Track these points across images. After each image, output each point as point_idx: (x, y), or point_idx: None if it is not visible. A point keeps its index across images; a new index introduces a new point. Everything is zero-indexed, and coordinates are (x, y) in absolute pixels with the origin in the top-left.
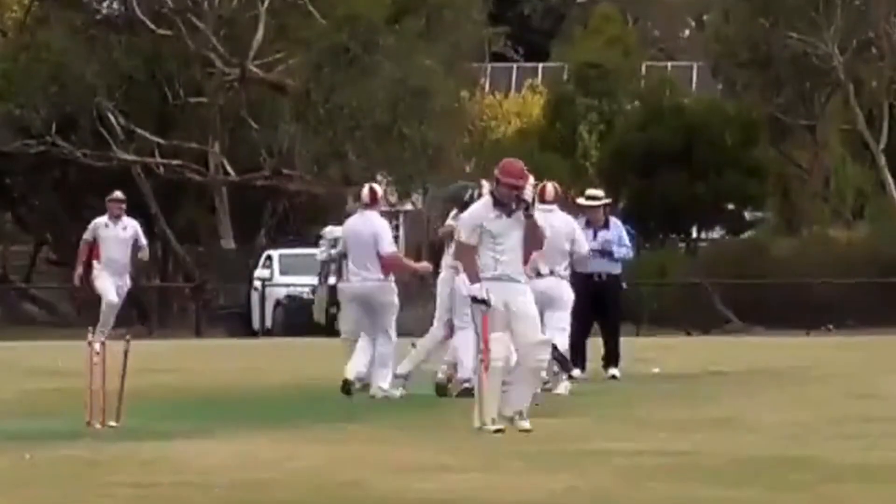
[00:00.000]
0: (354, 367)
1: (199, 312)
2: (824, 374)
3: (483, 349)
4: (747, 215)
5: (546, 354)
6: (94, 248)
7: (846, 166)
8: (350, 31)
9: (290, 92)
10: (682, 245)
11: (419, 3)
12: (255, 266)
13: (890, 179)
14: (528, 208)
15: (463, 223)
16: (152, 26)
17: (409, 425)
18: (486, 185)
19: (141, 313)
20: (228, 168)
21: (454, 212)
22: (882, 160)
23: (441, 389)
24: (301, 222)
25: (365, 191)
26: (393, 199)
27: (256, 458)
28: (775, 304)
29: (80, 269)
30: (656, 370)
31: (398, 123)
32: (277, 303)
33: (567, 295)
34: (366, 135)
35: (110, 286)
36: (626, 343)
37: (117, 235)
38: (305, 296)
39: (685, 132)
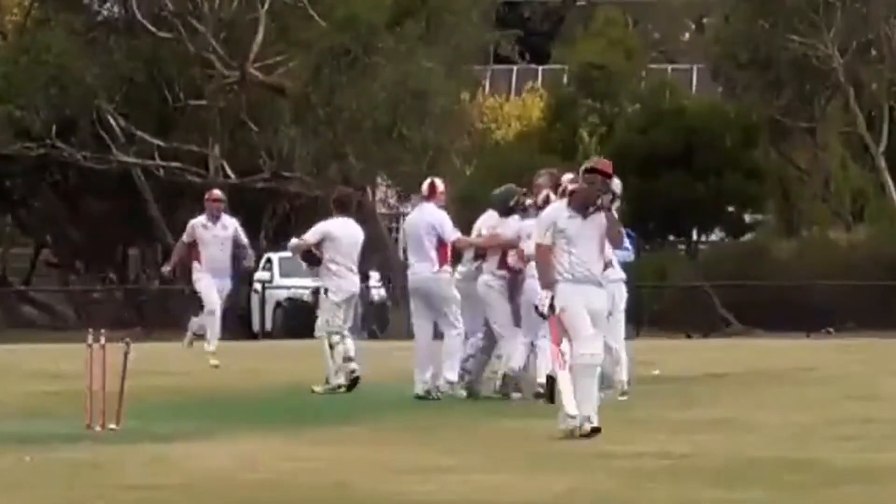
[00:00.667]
0: (420, 381)
1: (199, 314)
2: (824, 376)
3: (554, 351)
4: (747, 217)
5: (598, 348)
6: (192, 250)
7: (846, 168)
8: (350, 34)
9: (289, 94)
10: (683, 247)
11: (419, 6)
12: (255, 268)
13: (890, 182)
14: (612, 199)
15: (537, 224)
16: (152, 29)
17: (410, 427)
18: (544, 189)
19: (141, 315)
20: (228, 170)
21: (487, 214)
22: (882, 162)
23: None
24: (301, 224)
25: (424, 184)
26: (393, 201)
27: (256, 459)
28: (775, 307)
29: (171, 266)
30: (656, 372)
31: (398, 125)
32: (277, 305)
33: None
34: (366, 137)
35: (214, 294)
36: (626, 345)
37: (217, 235)
38: (305, 298)
39: (685, 134)
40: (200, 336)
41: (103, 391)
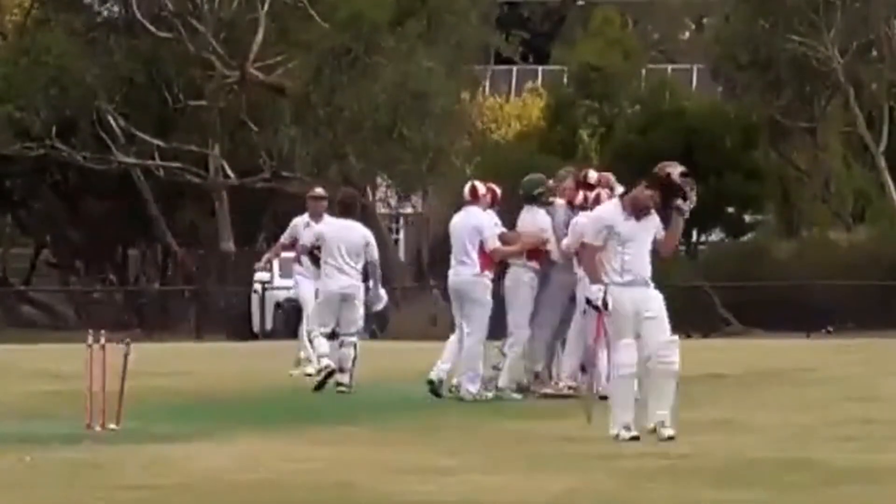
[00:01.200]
0: (440, 368)
1: (199, 315)
2: (824, 377)
3: (589, 354)
4: (747, 218)
5: (675, 355)
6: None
7: (846, 169)
8: (351, 33)
9: (290, 94)
10: (683, 247)
11: (420, 6)
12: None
13: (890, 182)
14: (685, 201)
15: (590, 224)
16: (152, 29)
17: (410, 427)
18: (569, 180)
19: (141, 316)
20: (228, 171)
21: (524, 210)
22: (882, 162)
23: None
24: None
25: (466, 188)
26: (393, 201)
27: (256, 460)
28: (775, 307)
29: (264, 261)
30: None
31: (398, 126)
32: (277, 305)
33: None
34: (366, 137)
35: (312, 299)
36: None
37: None
38: None
39: (685, 135)
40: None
41: (103, 391)
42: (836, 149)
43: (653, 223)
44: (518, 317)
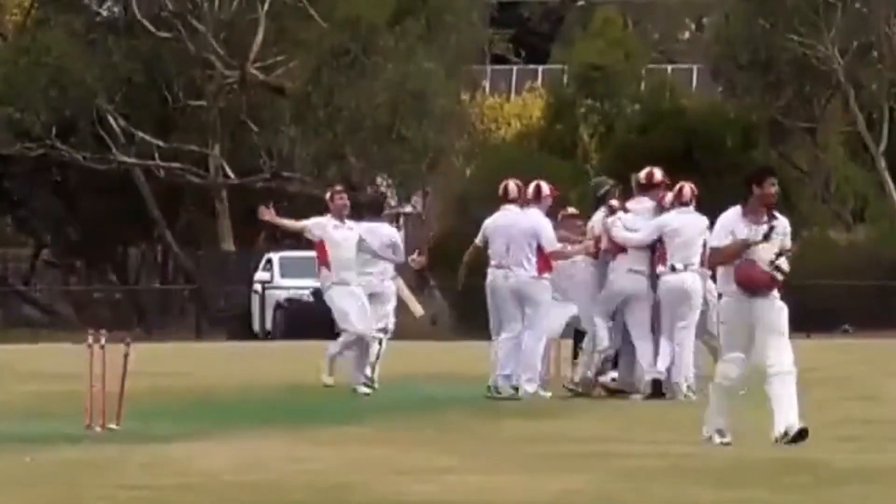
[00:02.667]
0: (500, 375)
1: (200, 315)
2: (825, 377)
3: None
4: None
5: (736, 372)
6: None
7: (846, 169)
8: (350, 34)
9: (289, 94)
10: None
11: (419, 6)
12: (256, 268)
13: (890, 182)
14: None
15: (717, 228)
16: (152, 29)
17: (410, 427)
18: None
19: (141, 316)
20: (228, 171)
21: (601, 210)
22: (882, 163)
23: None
24: None
25: (530, 188)
26: (393, 201)
27: (256, 460)
28: None
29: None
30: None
31: (398, 125)
32: (278, 305)
33: (698, 291)
34: (366, 137)
35: (353, 315)
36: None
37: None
38: (305, 298)
39: (685, 135)
40: None
41: (103, 391)
42: (836, 149)
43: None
44: (584, 308)
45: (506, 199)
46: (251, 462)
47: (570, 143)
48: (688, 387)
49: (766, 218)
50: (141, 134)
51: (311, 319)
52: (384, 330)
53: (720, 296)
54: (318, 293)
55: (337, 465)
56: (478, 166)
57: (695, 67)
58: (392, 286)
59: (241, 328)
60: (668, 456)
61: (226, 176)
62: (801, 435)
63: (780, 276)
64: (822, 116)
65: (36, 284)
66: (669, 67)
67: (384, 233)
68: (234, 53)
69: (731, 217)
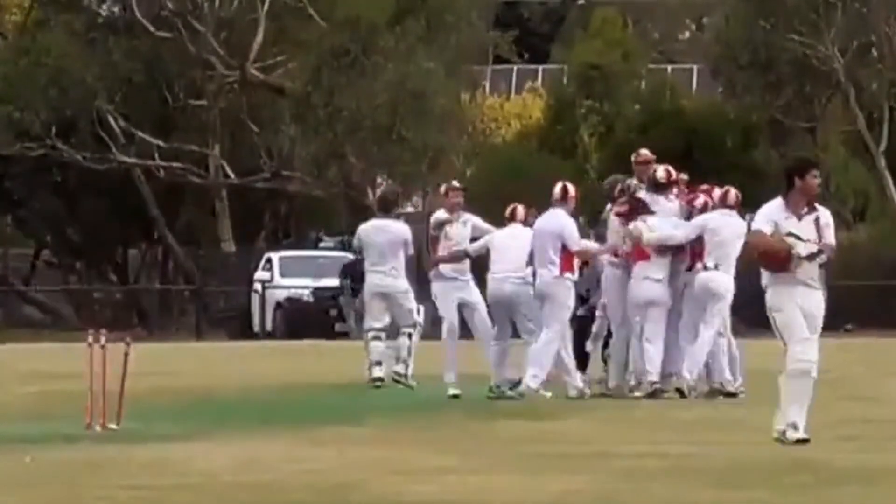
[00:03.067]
0: (530, 376)
1: (200, 315)
2: (825, 377)
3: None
4: (747, 218)
5: (813, 354)
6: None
7: (847, 169)
8: (350, 34)
9: (289, 94)
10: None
11: (419, 6)
12: (256, 268)
13: (890, 182)
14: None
15: (759, 218)
16: (152, 29)
17: (410, 427)
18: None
19: (141, 316)
20: (228, 170)
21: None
22: (882, 162)
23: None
24: (301, 224)
25: (557, 188)
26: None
27: (257, 460)
28: None
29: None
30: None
31: (398, 125)
32: (278, 305)
33: (730, 290)
34: (366, 137)
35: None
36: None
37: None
38: (305, 298)
39: (685, 135)
40: None
41: (103, 391)
42: (836, 148)
43: (814, 220)
44: (614, 309)
45: (512, 219)
46: (251, 462)
47: (570, 143)
48: (689, 386)
49: (806, 210)
50: (141, 134)
51: (311, 319)
52: (413, 325)
53: (766, 289)
54: (317, 293)
55: (337, 465)
56: (478, 166)
57: (695, 67)
58: (405, 283)
59: (241, 328)
60: (668, 456)
61: (226, 176)
62: (801, 441)
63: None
64: (823, 116)
65: (36, 284)
66: (669, 67)
67: (394, 230)
68: (234, 53)
69: (774, 208)
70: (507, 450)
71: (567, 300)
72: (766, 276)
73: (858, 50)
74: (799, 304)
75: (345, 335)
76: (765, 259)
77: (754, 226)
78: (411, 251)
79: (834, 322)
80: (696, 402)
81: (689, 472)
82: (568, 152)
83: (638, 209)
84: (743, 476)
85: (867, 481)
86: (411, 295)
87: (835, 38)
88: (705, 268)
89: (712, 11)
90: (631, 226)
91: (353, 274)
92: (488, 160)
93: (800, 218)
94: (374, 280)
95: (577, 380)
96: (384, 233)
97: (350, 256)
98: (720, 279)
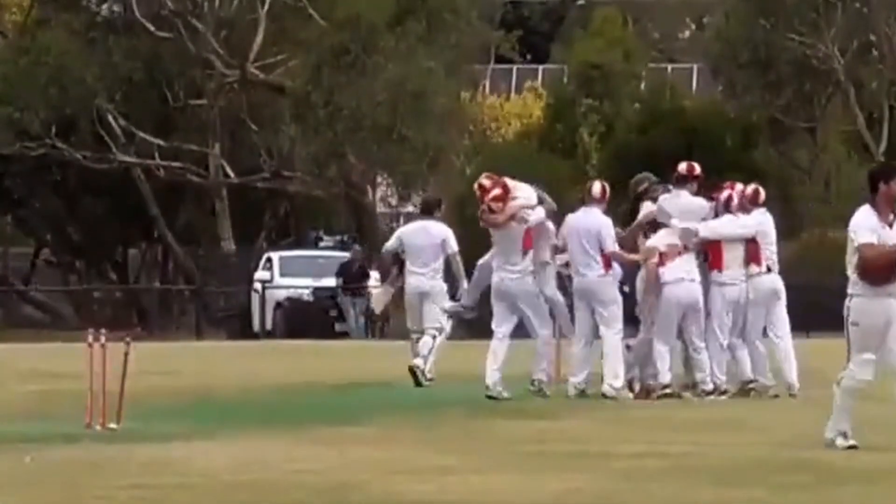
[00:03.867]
0: (572, 384)
1: (200, 314)
2: (826, 377)
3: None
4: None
5: (870, 374)
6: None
7: (847, 168)
8: (350, 33)
9: (289, 94)
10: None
11: (420, 5)
12: (256, 268)
13: None
14: None
15: (860, 227)
16: (152, 28)
17: (410, 427)
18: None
19: (141, 315)
20: (228, 170)
21: (645, 206)
22: None
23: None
24: (301, 224)
25: (596, 187)
26: (394, 200)
27: (257, 459)
28: None
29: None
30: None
31: (398, 125)
32: (278, 304)
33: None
34: (366, 136)
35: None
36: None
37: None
38: (305, 297)
39: (685, 134)
40: None
41: (103, 391)
42: (836, 148)
43: None
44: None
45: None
46: (251, 462)
47: (570, 142)
48: (716, 388)
49: (892, 217)
50: (141, 133)
51: (310, 319)
52: (440, 329)
53: (851, 297)
54: (317, 293)
55: (337, 465)
56: (478, 166)
57: (695, 67)
58: (443, 284)
59: (241, 328)
60: (668, 456)
61: (226, 175)
62: (851, 448)
63: None
64: (823, 116)
65: (36, 284)
66: (669, 67)
67: (434, 231)
68: (234, 53)
69: (868, 216)
70: (507, 450)
71: (617, 297)
72: (857, 286)
73: (858, 49)
74: (887, 317)
75: (345, 335)
76: (880, 272)
77: (861, 238)
78: (450, 250)
79: (833, 322)
80: (695, 402)
81: (688, 471)
82: (568, 152)
83: (645, 227)
84: (742, 475)
85: (867, 481)
86: (447, 296)
87: (835, 38)
88: (769, 270)
89: (712, 11)
90: (647, 244)
91: (347, 274)
92: (488, 160)
93: (890, 226)
94: (414, 282)
95: (580, 378)
96: (426, 234)
97: (348, 256)
98: (779, 281)
